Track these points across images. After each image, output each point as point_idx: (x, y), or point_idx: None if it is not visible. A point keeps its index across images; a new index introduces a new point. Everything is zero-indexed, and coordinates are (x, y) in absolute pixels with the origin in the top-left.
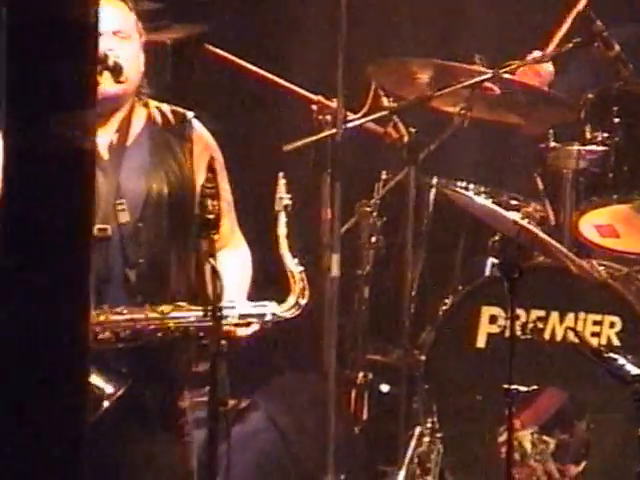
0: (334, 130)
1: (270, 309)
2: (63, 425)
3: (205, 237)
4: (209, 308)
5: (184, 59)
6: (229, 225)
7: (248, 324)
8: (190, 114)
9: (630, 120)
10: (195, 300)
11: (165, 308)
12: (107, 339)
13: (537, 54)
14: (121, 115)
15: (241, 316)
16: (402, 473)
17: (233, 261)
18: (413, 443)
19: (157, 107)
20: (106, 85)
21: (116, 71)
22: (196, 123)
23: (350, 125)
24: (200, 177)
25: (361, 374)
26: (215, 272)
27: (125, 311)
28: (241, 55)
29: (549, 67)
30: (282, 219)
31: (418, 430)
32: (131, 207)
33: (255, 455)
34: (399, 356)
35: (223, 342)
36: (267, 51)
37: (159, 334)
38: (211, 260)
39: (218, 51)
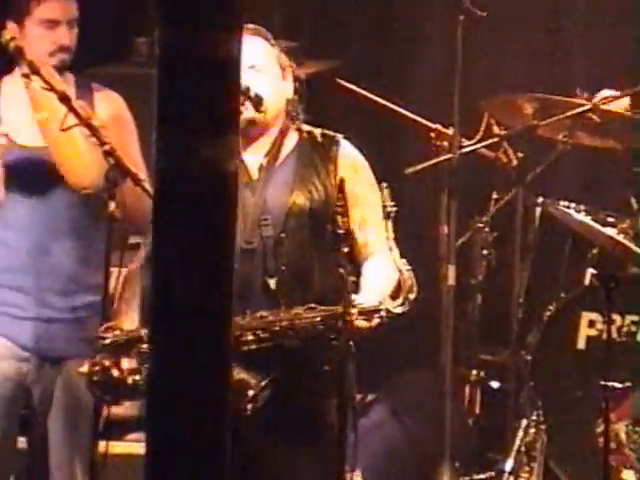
0: (450, 155)
1: (384, 305)
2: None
3: (336, 250)
4: (339, 312)
5: (317, 92)
6: (378, 235)
7: (370, 319)
8: (339, 136)
9: None
10: (336, 304)
11: (298, 310)
12: (250, 341)
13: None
14: (271, 139)
15: (360, 312)
16: (510, 461)
17: (381, 268)
18: (520, 434)
19: (308, 131)
20: (247, 113)
21: (256, 101)
22: (345, 143)
23: (465, 150)
24: (349, 193)
25: (474, 372)
26: (343, 280)
27: (265, 314)
28: (369, 88)
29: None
30: (388, 225)
31: (524, 422)
32: (274, 221)
33: (380, 444)
34: (508, 356)
35: (351, 342)
36: (392, 84)
37: (290, 333)
38: (340, 270)
39: (348, 85)
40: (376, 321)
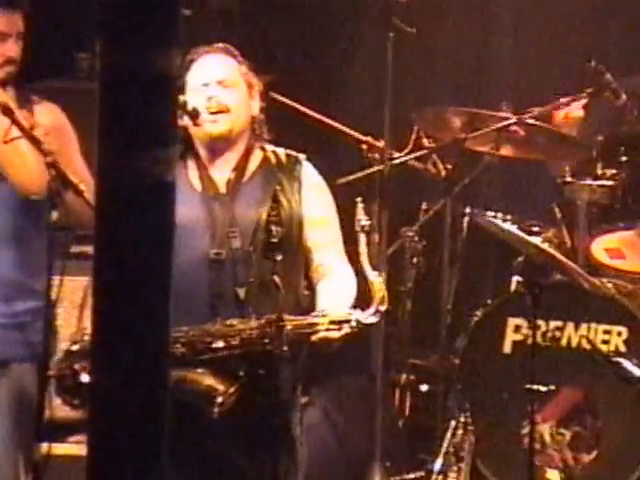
0: (381, 166)
1: (355, 316)
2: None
3: (269, 258)
4: (310, 322)
5: None
6: (335, 255)
7: (339, 328)
8: (302, 157)
9: (635, 159)
10: (302, 314)
11: (269, 319)
12: (220, 348)
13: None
14: (238, 155)
15: (331, 322)
16: (439, 461)
17: (338, 284)
18: (449, 435)
19: (273, 150)
20: (210, 127)
21: (193, 115)
22: (307, 164)
23: (395, 162)
24: (309, 208)
25: (404, 375)
26: (277, 287)
27: (235, 323)
28: (303, 101)
29: (579, 112)
30: (362, 238)
31: (453, 424)
32: (243, 234)
33: (313, 445)
34: (436, 360)
35: (285, 347)
36: (325, 98)
37: (264, 341)
38: (274, 277)
39: (282, 98)
40: (345, 331)
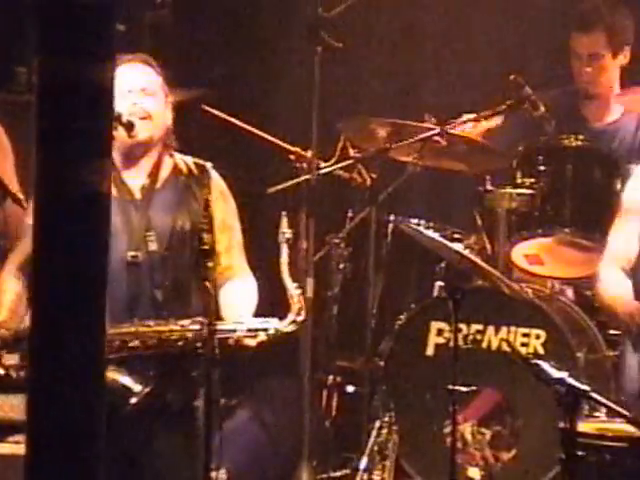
0: (309, 176)
1: (273, 324)
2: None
3: (201, 264)
4: (203, 321)
5: (186, 117)
6: (240, 259)
7: (255, 336)
8: (209, 165)
9: (552, 168)
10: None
11: (185, 322)
12: (136, 347)
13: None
14: (150, 163)
15: (249, 330)
16: (365, 459)
17: (243, 288)
18: (374, 434)
19: (181, 158)
20: (140, 133)
21: (128, 127)
22: (213, 172)
23: (322, 171)
24: (218, 214)
25: (331, 377)
26: (209, 293)
27: (152, 324)
28: (234, 113)
29: (497, 121)
30: (284, 250)
31: (378, 424)
32: (159, 238)
33: (243, 445)
34: (362, 362)
35: (217, 351)
36: (256, 110)
37: (180, 343)
38: (205, 283)
39: (214, 111)
40: (261, 339)
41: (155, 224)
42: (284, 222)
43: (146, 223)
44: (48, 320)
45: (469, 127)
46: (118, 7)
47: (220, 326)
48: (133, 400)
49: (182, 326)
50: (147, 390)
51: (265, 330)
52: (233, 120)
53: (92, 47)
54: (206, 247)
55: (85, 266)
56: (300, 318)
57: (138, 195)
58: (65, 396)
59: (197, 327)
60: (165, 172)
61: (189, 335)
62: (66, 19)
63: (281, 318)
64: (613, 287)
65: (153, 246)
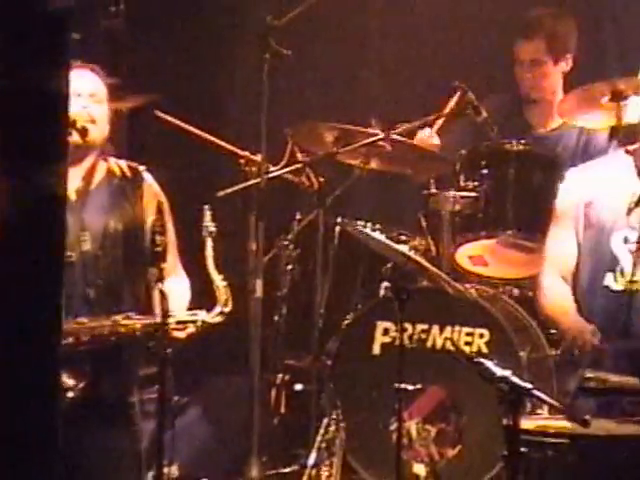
0: (258, 179)
1: (200, 316)
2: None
3: (154, 265)
4: (157, 322)
5: (138, 123)
6: (174, 259)
7: (184, 328)
8: (142, 168)
9: (495, 172)
10: (143, 313)
11: (117, 318)
12: (70, 344)
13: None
14: (86, 166)
15: (178, 322)
16: (313, 456)
17: (177, 285)
18: (321, 431)
19: (116, 162)
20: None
21: (82, 132)
22: (147, 175)
23: (271, 175)
24: (148, 217)
25: (280, 376)
26: (163, 294)
27: (85, 321)
28: (186, 119)
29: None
30: (209, 243)
31: (325, 421)
32: (92, 239)
33: (195, 441)
34: (310, 361)
35: (169, 350)
36: (206, 116)
37: (112, 338)
38: (159, 285)
39: (166, 117)
40: (190, 331)
41: (88, 225)
42: (207, 216)
43: (80, 224)
44: (3, 321)
45: (427, 133)
46: (73, 16)
47: (150, 320)
48: (70, 394)
49: (114, 322)
50: (82, 385)
51: (193, 322)
52: (184, 125)
53: (48, 55)
54: (159, 249)
55: (41, 267)
56: (227, 309)
57: (73, 197)
58: (21, 394)
59: (129, 322)
60: (99, 175)
61: (121, 330)
62: (23, 27)
63: (209, 310)
64: (555, 298)
65: (86, 246)
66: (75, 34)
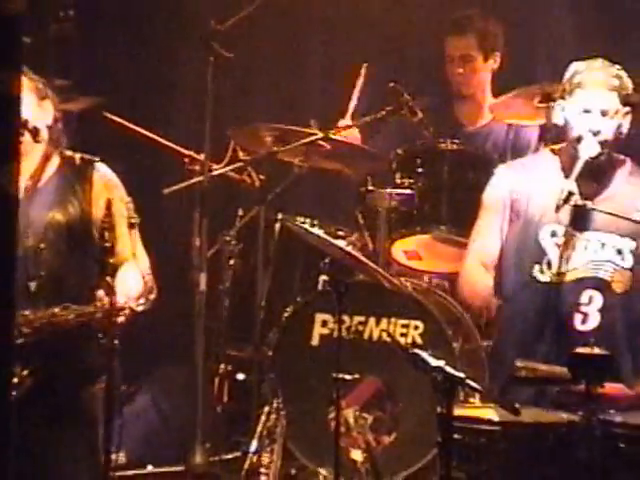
0: (202, 177)
1: (128, 304)
2: None
3: (101, 260)
4: (91, 311)
5: (87, 123)
6: (131, 243)
7: (116, 316)
8: (96, 159)
9: (430, 170)
10: (90, 303)
11: (55, 309)
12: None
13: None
14: (35, 163)
15: (109, 310)
16: (254, 443)
17: (126, 275)
18: (263, 419)
19: (69, 155)
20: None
21: (34, 132)
22: (100, 167)
23: (214, 173)
24: (98, 209)
25: (222, 366)
26: (110, 287)
27: (27, 313)
28: (132, 119)
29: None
30: (133, 234)
31: (266, 409)
32: (34, 233)
33: (141, 429)
34: (252, 352)
35: (116, 341)
36: (153, 117)
37: (49, 328)
38: (107, 279)
39: (115, 118)
40: (121, 319)
41: (33, 220)
42: (130, 207)
43: (25, 220)
44: None
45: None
46: (25, 20)
47: (82, 309)
48: (14, 380)
49: (53, 314)
50: (25, 373)
51: (123, 309)
52: (131, 126)
53: (1, 58)
54: (107, 244)
55: None
56: (152, 296)
57: (20, 194)
58: None
59: (64, 313)
60: (50, 170)
61: (57, 321)
62: None
63: (137, 298)
64: (472, 283)
65: (29, 242)
66: (26, 38)
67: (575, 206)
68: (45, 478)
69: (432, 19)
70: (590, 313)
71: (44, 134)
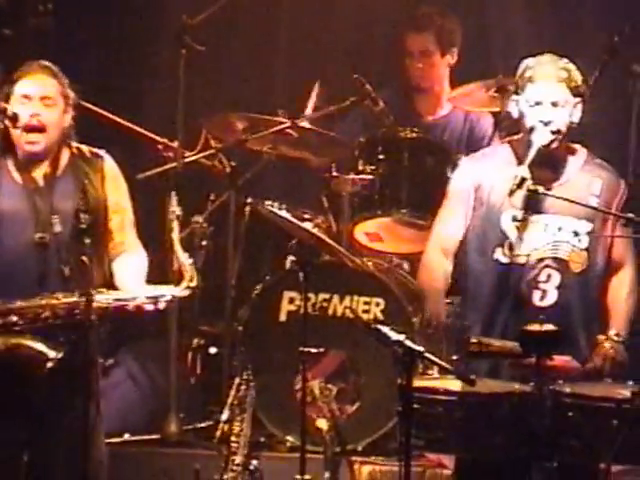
0: (175, 164)
1: (170, 291)
2: None
3: (80, 242)
4: (81, 293)
5: None
6: (131, 235)
7: (155, 302)
8: (103, 152)
9: (390, 157)
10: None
11: (90, 293)
12: (47, 317)
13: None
14: (52, 156)
15: (148, 297)
16: (226, 412)
17: (135, 260)
18: (233, 390)
19: (77, 147)
20: (28, 147)
21: (13, 119)
22: (108, 158)
23: (187, 160)
24: (111, 196)
25: (196, 340)
26: (86, 267)
27: (60, 296)
28: (110, 109)
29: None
30: (175, 225)
31: (237, 381)
32: (63, 221)
33: (118, 400)
34: (223, 327)
35: (93, 317)
36: (129, 106)
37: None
38: (83, 258)
39: (92, 107)
40: (162, 305)
41: (58, 207)
42: (173, 200)
43: (50, 207)
44: None
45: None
46: (4, 14)
47: (120, 295)
48: (49, 364)
49: (88, 297)
50: (60, 356)
51: (163, 297)
52: (109, 115)
53: None
54: (83, 226)
55: None
56: (193, 284)
57: (41, 183)
58: None
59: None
60: (64, 161)
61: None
62: None
63: (176, 285)
64: (430, 275)
65: (58, 228)
66: (6, 30)
67: (529, 191)
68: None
69: (393, 16)
70: (548, 290)
71: (53, 130)
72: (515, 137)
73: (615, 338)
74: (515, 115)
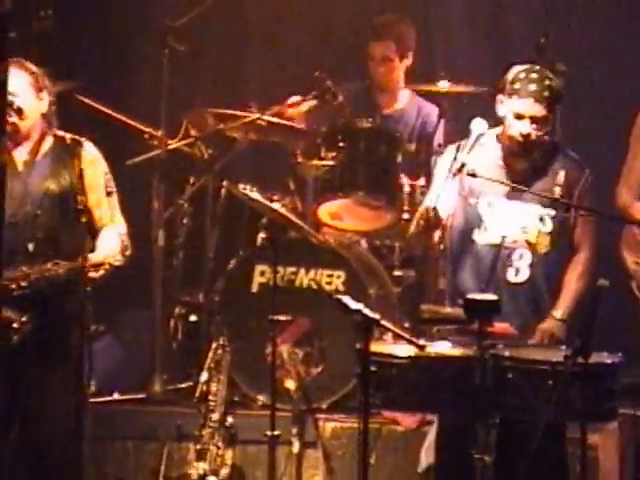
0: (159, 151)
1: (107, 259)
2: None
3: (77, 221)
4: (76, 266)
5: (64, 104)
6: (107, 210)
7: (97, 270)
8: (83, 139)
9: (349, 145)
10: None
11: (47, 265)
12: (14, 288)
13: (294, 98)
14: (32, 142)
15: (92, 265)
16: (204, 374)
17: (109, 233)
18: (211, 354)
19: (61, 135)
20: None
21: (18, 112)
22: (88, 145)
23: (170, 147)
24: (87, 178)
25: (177, 309)
26: (84, 243)
27: (25, 269)
28: (101, 102)
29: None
30: (113, 200)
31: (214, 345)
32: (32, 200)
33: (108, 363)
34: (202, 297)
35: (88, 289)
36: (118, 100)
37: (43, 281)
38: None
39: (86, 100)
40: (101, 272)
41: (31, 189)
42: (108, 178)
43: (24, 190)
44: None
45: (283, 111)
46: (12, 18)
47: (72, 265)
48: (15, 325)
49: (46, 269)
50: (24, 319)
51: (102, 264)
52: (100, 107)
53: None
54: (80, 207)
55: None
56: (127, 253)
57: (21, 168)
58: None
59: (56, 267)
60: (46, 147)
61: (50, 275)
62: None
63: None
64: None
65: (27, 208)
66: (12, 33)
67: (469, 174)
68: (42, 406)
69: (354, 19)
70: (521, 268)
71: (34, 117)
72: (498, 129)
73: (557, 316)
74: (500, 113)
